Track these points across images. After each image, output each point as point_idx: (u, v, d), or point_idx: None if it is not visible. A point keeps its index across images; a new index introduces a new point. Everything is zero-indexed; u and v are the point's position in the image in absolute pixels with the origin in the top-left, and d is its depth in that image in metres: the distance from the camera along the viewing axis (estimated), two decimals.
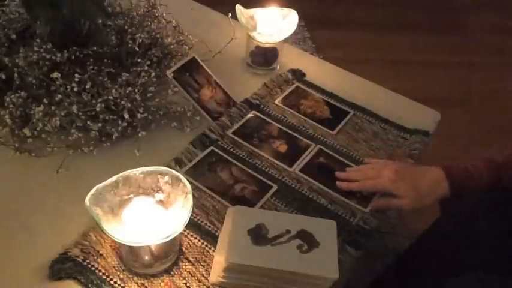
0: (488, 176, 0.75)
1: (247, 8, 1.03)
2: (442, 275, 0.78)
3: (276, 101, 0.98)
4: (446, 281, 0.74)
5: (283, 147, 0.89)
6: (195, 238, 0.71)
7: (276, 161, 0.85)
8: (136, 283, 0.64)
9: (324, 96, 1.02)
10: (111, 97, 0.80)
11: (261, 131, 0.91)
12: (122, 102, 0.80)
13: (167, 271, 0.66)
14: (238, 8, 1.01)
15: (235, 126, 0.91)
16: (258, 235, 0.64)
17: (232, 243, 0.63)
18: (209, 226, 0.73)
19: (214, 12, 1.24)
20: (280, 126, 0.93)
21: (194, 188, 0.76)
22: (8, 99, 0.80)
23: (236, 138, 0.89)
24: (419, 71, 2.06)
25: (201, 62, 0.95)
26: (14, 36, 0.88)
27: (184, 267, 0.67)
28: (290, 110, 0.96)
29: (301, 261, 0.62)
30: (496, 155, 0.78)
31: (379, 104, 1.01)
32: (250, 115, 0.94)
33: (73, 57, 0.84)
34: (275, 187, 0.80)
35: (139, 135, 0.82)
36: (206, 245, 0.70)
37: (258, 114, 0.95)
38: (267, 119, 0.94)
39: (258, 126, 0.92)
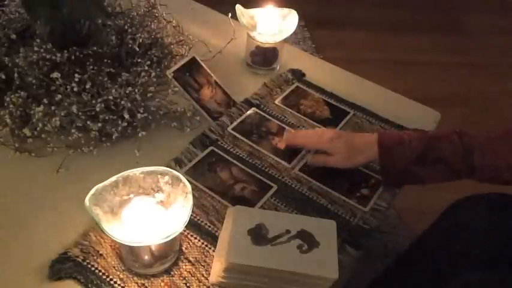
0: (417, 145, 0.77)
1: (247, 8, 1.03)
2: (442, 275, 0.78)
3: (276, 101, 0.98)
4: (446, 281, 0.74)
5: (282, 144, 0.89)
6: (195, 238, 0.71)
7: (275, 157, 0.86)
8: (136, 283, 0.64)
9: (324, 96, 1.02)
10: (111, 97, 0.80)
11: (260, 128, 0.91)
12: (122, 102, 0.80)
13: (167, 271, 0.66)
14: (238, 8, 1.01)
15: (235, 123, 0.91)
16: (258, 235, 0.64)
17: (232, 243, 0.63)
18: (209, 226, 0.73)
19: (214, 12, 1.24)
20: (280, 123, 0.93)
21: (194, 188, 0.76)
22: (8, 99, 0.80)
23: (235, 134, 0.89)
24: (419, 71, 2.06)
25: (201, 62, 0.95)
26: (14, 36, 0.88)
27: (184, 267, 0.67)
28: (290, 110, 0.96)
29: (301, 261, 0.62)
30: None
31: (379, 104, 1.01)
32: (250, 111, 0.94)
33: (73, 57, 0.84)
34: (275, 187, 0.80)
35: (139, 135, 0.82)
36: (206, 245, 0.70)
37: (257, 110, 0.95)
38: (266, 115, 0.94)
39: (258, 122, 0.92)
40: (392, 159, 0.78)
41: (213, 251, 0.69)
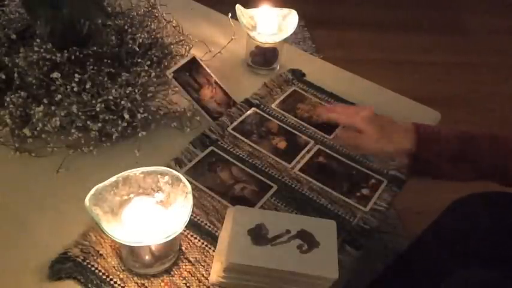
0: (453, 143, 0.74)
1: (247, 8, 1.03)
2: (442, 274, 0.78)
3: (273, 105, 0.98)
4: (446, 281, 0.74)
5: (282, 144, 0.89)
6: (195, 238, 0.71)
7: (275, 157, 0.86)
8: (136, 283, 0.64)
9: (323, 96, 1.02)
10: (111, 97, 0.80)
11: (260, 128, 0.91)
12: (122, 102, 0.80)
13: (167, 271, 0.66)
14: (238, 8, 1.01)
15: (235, 123, 0.91)
16: (258, 235, 0.64)
17: (232, 243, 0.63)
18: (209, 226, 0.73)
19: (214, 12, 1.24)
20: (280, 123, 0.93)
21: (194, 188, 0.76)
22: (8, 99, 0.80)
23: (235, 134, 0.89)
24: (419, 71, 2.06)
25: (201, 62, 0.95)
26: (14, 36, 0.88)
27: (184, 267, 0.67)
28: (287, 114, 0.96)
29: (301, 261, 0.62)
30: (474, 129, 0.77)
31: (379, 104, 1.01)
32: (250, 111, 0.94)
33: (73, 57, 0.84)
34: (275, 187, 0.80)
35: (139, 135, 0.82)
36: (206, 245, 0.70)
37: (257, 110, 0.95)
38: (266, 115, 0.94)
39: (258, 122, 0.92)
40: (427, 153, 0.75)
41: (213, 251, 0.69)
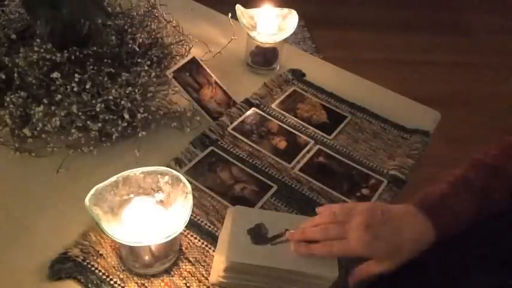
0: (473, 209, 0.64)
1: (247, 8, 1.03)
2: (443, 275, 0.78)
3: (273, 105, 0.98)
4: (447, 282, 0.74)
5: (282, 144, 0.89)
6: (195, 238, 0.71)
7: (275, 157, 0.86)
8: (136, 283, 0.64)
9: (323, 96, 1.02)
10: (111, 97, 0.80)
11: (260, 128, 0.91)
12: (122, 102, 0.80)
13: (167, 271, 0.66)
14: (238, 8, 1.01)
15: (235, 123, 0.91)
16: (258, 235, 0.64)
17: (233, 242, 0.63)
18: (209, 226, 0.73)
19: (214, 12, 1.24)
20: (280, 123, 0.93)
21: (194, 188, 0.76)
22: (8, 99, 0.80)
23: (235, 134, 0.89)
24: (419, 71, 2.06)
25: (201, 62, 0.95)
26: (14, 36, 0.88)
27: (184, 267, 0.67)
28: (287, 114, 0.96)
29: (301, 261, 0.62)
30: (473, 172, 0.67)
31: (379, 104, 1.01)
32: (250, 111, 0.94)
33: (73, 57, 0.84)
34: (275, 187, 0.80)
35: (139, 135, 0.82)
36: (206, 245, 0.70)
37: (257, 110, 0.95)
38: (266, 115, 0.94)
39: (258, 122, 0.92)
40: (447, 236, 0.63)
41: (213, 251, 0.69)
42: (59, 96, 0.80)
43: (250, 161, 0.85)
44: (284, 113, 0.96)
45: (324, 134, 0.92)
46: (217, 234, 0.71)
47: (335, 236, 0.61)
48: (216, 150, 0.85)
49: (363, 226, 0.60)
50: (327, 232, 0.62)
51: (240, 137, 0.89)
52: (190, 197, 0.61)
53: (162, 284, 0.65)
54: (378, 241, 0.60)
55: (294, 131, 0.92)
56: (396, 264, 0.62)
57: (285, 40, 1.03)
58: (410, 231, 0.61)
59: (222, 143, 0.87)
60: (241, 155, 0.85)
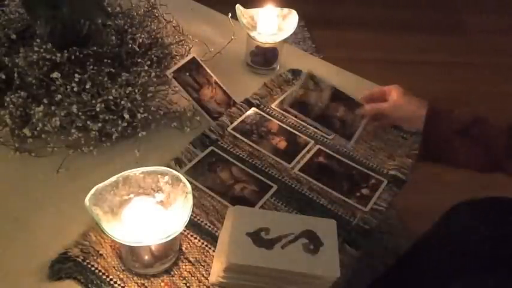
0: (465, 117, 0.78)
1: (247, 8, 1.03)
2: (442, 276, 0.78)
3: (273, 105, 0.98)
4: (447, 283, 0.74)
5: (282, 144, 0.89)
6: (195, 238, 0.71)
7: (275, 157, 0.86)
8: (136, 283, 0.64)
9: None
10: (111, 97, 0.80)
11: (260, 128, 0.91)
12: (122, 102, 0.80)
13: (167, 271, 0.66)
14: (238, 8, 1.01)
15: (235, 123, 0.91)
16: (258, 235, 0.64)
17: (233, 243, 0.63)
18: (209, 226, 0.73)
19: (214, 12, 1.24)
20: (280, 123, 0.93)
21: (194, 188, 0.76)
22: (8, 99, 0.80)
23: (235, 134, 0.89)
24: (419, 71, 2.06)
25: (201, 62, 0.95)
26: (14, 36, 0.88)
27: (184, 267, 0.67)
28: (287, 114, 0.96)
29: (301, 261, 0.62)
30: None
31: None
32: (250, 111, 0.94)
33: (73, 57, 0.84)
34: (275, 187, 0.80)
35: (139, 135, 0.82)
36: (206, 245, 0.70)
37: (257, 110, 0.95)
38: (266, 115, 0.94)
39: (258, 122, 0.92)
40: (437, 125, 0.78)
41: (213, 251, 0.69)
42: (59, 96, 0.80)
43: (250, 161, 0.85)
44: (284, 113, 0.96)
45: (324, 134, 0.92)
46: (217, 234, 0.71)
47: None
48: (216, 150, 0.85)
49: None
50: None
51: (240, 137, 0.89)
52: (190, 197, 0.61)
53: (162, 284, 0.65)
54: (412, 98, 0.85)
55: (294, 131, 0.92)
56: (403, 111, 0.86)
57: (285, 40, 1.03)
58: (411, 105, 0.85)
59: (222, 143, 0.87)
60: (241, 155, 0.85)
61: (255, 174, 0.82)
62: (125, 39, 0.92)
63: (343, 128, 0.93)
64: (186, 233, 0.71)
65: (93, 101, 0.79)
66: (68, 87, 0.80)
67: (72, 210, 0.71)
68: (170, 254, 0.66)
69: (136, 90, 0.83)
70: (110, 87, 0.82)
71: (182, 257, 0.68)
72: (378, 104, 0.90)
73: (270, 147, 0.88)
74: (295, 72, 1.06)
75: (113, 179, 0.63)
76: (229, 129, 0.90)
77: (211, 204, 0.76)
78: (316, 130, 0.93)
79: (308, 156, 0.87)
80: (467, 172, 0.81)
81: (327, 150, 0.89)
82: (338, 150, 0.90)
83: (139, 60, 0.89)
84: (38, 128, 0.79)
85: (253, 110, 0.95)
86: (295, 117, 0.95)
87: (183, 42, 1.03)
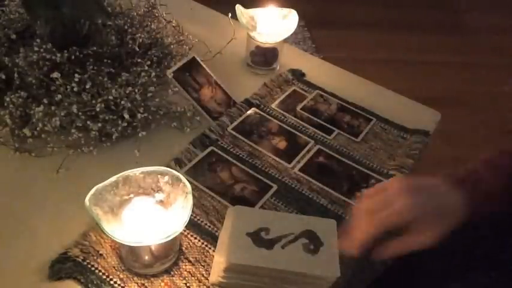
0: (501, 190, 0.62)
1: (247, 8, 1.03)
2: (442, 275, 0.78)
3: (273, 105, 0.98)
4: (447, 282, 0.74)
5: (282, 144, 0.89)
6: (195, 238, 0.71)
7: (275, 157, 0.86)
8: (136, 283, 0.64)
9: (323, 95, 1.02)
10: (111, 97, 0.80)
11: (260, 128, 0.91)
12: (122, 102, 0.80)
13: (167, 271, 0.66)
14: (238, 8, 1.01)
15: (235, 123, 0.91)
16: (258, 235, 0.64)
17: (233, 243, 0.63)
18: (209, 226, 0.73)
19: (214, 12, 1.24)
20: (280, 123, 0.93)
21: (194, 188, 0.76)
22: (8, 99, 0.80)
23: (235, 134, 0.89)
24: (419, 71, 2.06)
25: (201, 62, 0.95)
26: (14, 36, 0.88)
27: (184, 267, 0.67)
28: (287, 114, 0.96)
29: (301, 261, 0.62)
30: (500, 158, 0.65)
31: (379, 104, 1.01)
32: (250, 111, 0.94)
33: (73, 57, 0.84)
34: (275, 187, 0.80)
35: (140, 135, 0.82)
36: (206, 245, 0.70)
37: (257, 110, 0.95)
38: (266, 115, 0.94)
39: (258, 122, 0.93)
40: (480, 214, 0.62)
41: (213, 251, 0.69)
42: (59, 96, 0.80)
43: (250, 161, 0.85)
44: (284, 113, 0.96)
45: (324, 134, 0.92)
46: (217, 234, 0.71)
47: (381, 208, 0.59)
48: (216, 150, 0.85)
49: (406, 191, 0.57)
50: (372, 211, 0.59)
51: (240, 137, 0.89)
52: (190, 197, 0.61)
53: (162, 284, 0.65)
54: (425, 202, 0.57)
55: (294, 131, 0.92)
56: (438, 235, 0.58)
57: (285, 40, 1.03)
58: (449, 199, 0.59)
59: (222, 143, 0.87)
60: (241, 155, 0.85)
61: (255, 174, 0.82)
62: (125, 39, 0.92)
63: (351, 128, 0.94)
64: (186, 233, 0.71)
65: (93, 101, 0.79)
66: (68, 87, 0.80)
67: (72, 210, 0.71)
68: (170, 254, 0.66)
69: (136, 90, 0.83)
70: (110, 87, 0.82)
71: (182, 257, 0.68)
72: (403, 243, 0.61)
73: (270, 147, 0.88)
74: (295, 72, 1.06)
75: (113, 179, 0.63)
76: (229, 129, 0.90)
77: (211, 204, 0.76)
78: (316, 130, 0.93)
79: (308, 156, 0.87)
80: None
81: (327, 150, 0.89)
82: (338, 150, 0.90)
83: (139, 60, 0.89)
84: (38, 128, 0.79)
85: (253, 110, 0.95)
86: (304, 118, 0.96)
87: (183, 42, 1.03)
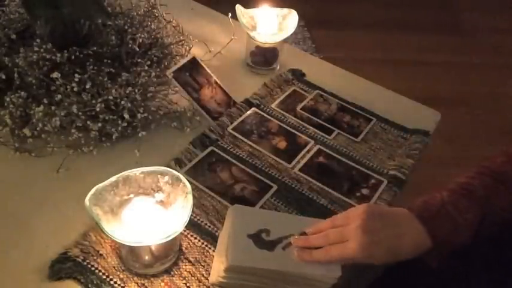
0: (474, 219, 0.62)
1: (247, 8, 1.03)
2: (442, 275, 0.78)
3: (273, 105, 0.98)
4: (448, 282, 0.74)
5: (282, 144, 0.89)
6: (195, 238, 0.71)
7: (275, 157, 0.86)
8: (136, 283, 0.64)
9: (323, 95, 1.02)
10: (111, 97, 0.80)
11: (260, 128, 0.91)
12: (122, 102, 0.80)
13: (167, 271, 0.66)
14: (238, 8, 1.01)
15: (235, 123, 0.91)
16: (258, 236, 0.64)
17: (233, 244, 0.63)
18: (209, 226, 0.73)
19: (214, 12, 1.24)
20: (280, 123, 0.93)
21: (194, 188, 0.76)
22: (8, 99, 0.80)
23: (235, 134, 0.89)
24: (419, 71, 2.06)
25: (201, 62, 0.95)
26: (14, 36, 0.88)
27: (184, 267, 0.67)
28: (287, 114, 0.96)
29: (301, 263, 0.62)
30: (478, 180, 0.65)
31: (379, 104, 1.01)
32: (250, 111, 0.94)
33: (73, 57, 0.84)
34: (275, 187, 0.80)
35: (139, 135, 0.82)
36: (206, 245, 0.70)
37: (257, 110, 0.95)
38: (266, 115, 0.94)
39: (258, 122, 0.93)
40: (447, 248, 0.63)
41: (213, 251, 0.69)
42: (59, 96, 0.80)
43: (250, 161, 0.85)
44: (284, 113, 0.96)
45: (324, 134, 0.92)
46: (217, 234, 0.71)
47: (335, 241, 0.61)
48: (216, 150, 0.85)
49: (361, 230, 0.59)
50: (328, 238, 0.62)
51: (240, 137, 0.89)
52: (190, 197, 0.61)
53: (162, 284, 0.65)
54: (377, 246, 0.59)
55: (294, 131, 0.92)
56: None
57: (285, 40, 1.03)
58: (409, 237, 0.61)
59: (222, 143, 0.87)
60: (241, 155, 0.85)
61: (255, 174, 0.82)
62: (125, 39, 0.92)
63: (351, 128, 0.94)
64: (186, 233, 0.71)
65: (93, 101, 0.79)
66: (68, 87, 0.80)
67: (72, 210, 0.71)
68: (170, 254, 0.66)
69: (136, 90, 0.83)
70: (110, 87, 0.82)
71: (182, 257, 0.68)
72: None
73: (270, 147, 0.88)
74: (295, 72, 1.06)
75: (113, 179, 0.63)
76: (229, 129, 0.90)
77: (211, 204, 0.76)
78: (316, 130, 0.93)
79: (308, 156, 0.87)
80: None
81: (327, 150, 0.89)
82: (338, 150, 0.90)
83: (139, 60, 0.89)
84: (38, 128, 0.79)
85: (253, 110, 0.95)
86: (304, 118, 0.96)
87: (183, 42, 1.03)
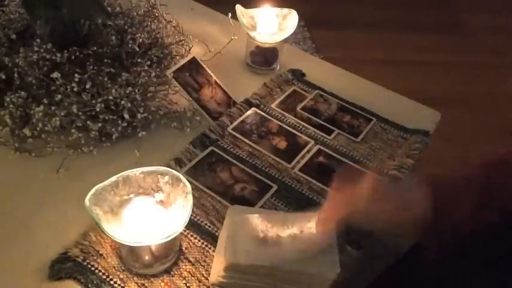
0: (473, 201, 0.62)
1: (247, 8, 1.03)
2: (442, 275, 0.78)
3: (273, 105, 0.98)
4: (448, 282, 0.74)
5: (282, 144, 0.89)
6: (195, 238, 0.71)
7: (275, 157, 0.86)
8: (136, 283, 0.64)
9: (323, 95, 1.02)
10: (111, 97, 0.80)
11: (260, 128, 0.91)
12: (122, 102, 0.80)
13: (167, 271, 0.66)
14: (238, 8, 1.01)
15: (235, 123, 0.91)
16: (258, 234, 0.64)
17: (232, 243, 0.63)
18: (209, 226, 0.73)
19: (214, 12, 1.24)
20: (280, 123, 0.93)
21: (194, 188, 0.76)
22: (8, 99, 0.80)
23: (235, 134, 0.89)
24: (419, 71, 2.06)
25: (201, 62, 0.95)
26: (14, 36, 0.88)
27: (184, 267, 0.67)
28: (287, 114, 0.96)
29: (300, 260, 0.62)
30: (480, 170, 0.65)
31: (379, 104, 1.01)
32: (250, 111, 0.94)
33: (73, 57, 0.84)
34: (275, 187, 0.80)
35: (139, 135, 0.82)
36: (206, 245, 0.70)
37: (257, 110, 0.95)
38: (266, 115, 0.94)
39: (258, 122, 0.93)
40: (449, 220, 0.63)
41: (213, 251, 0.69)
42: (59, 96, 0.80)
43: (250, 161, 0.85)
44: (284, 113, 0.96)
45: (324, 134, 0.92)
46: (217, 234, 0.71)
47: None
48: (216, 150, 0.85)
49: (368, 198, 0.60)
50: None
51: (240, 137, 0.89)
52: (190, 197, 0.61)
53: (162, 284, 0.65)
54: (381, 215, 0.60)
55: (294, 131, 0.92)
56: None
57: (285, 40, 1.03)
58: (414, 194, 0.60)
59: (222, 143, 0.87)
60: (241, 155, 0.85)
61: (255, 174, 0.82)
62: (125, 39, 0.92)
63: (351, 128, 0.95)
64: (186, 233, 0.71)
65: (93, 101, 0.79)
66: (68, 87, 0.80)
67: (72, 210, 0.71)
68: (170, 254, 0.66)
69: (136, 90, 0.83)
70: (110, 87, 0.82)
71: (182, 257, 0.68)
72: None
73: (270, 147, 0.88)
74: (295, 72, 1.06)
75: (113, 179, 0.63)
76: (229, 129, 0.90)
77: (211, 204, 0.76)
78: (316, 130, 0.93)
79: (308, 156, 0.87)
80: None
81: (327, 150, 0.89)
82: (338, 150, 0.90)
83: (139, 60, 0.89)
84: (38, 128, 0.79)
85: (253, 110, 0.95)
86: (304, 118, 0.96)
87: (183, 42, 1.03)
